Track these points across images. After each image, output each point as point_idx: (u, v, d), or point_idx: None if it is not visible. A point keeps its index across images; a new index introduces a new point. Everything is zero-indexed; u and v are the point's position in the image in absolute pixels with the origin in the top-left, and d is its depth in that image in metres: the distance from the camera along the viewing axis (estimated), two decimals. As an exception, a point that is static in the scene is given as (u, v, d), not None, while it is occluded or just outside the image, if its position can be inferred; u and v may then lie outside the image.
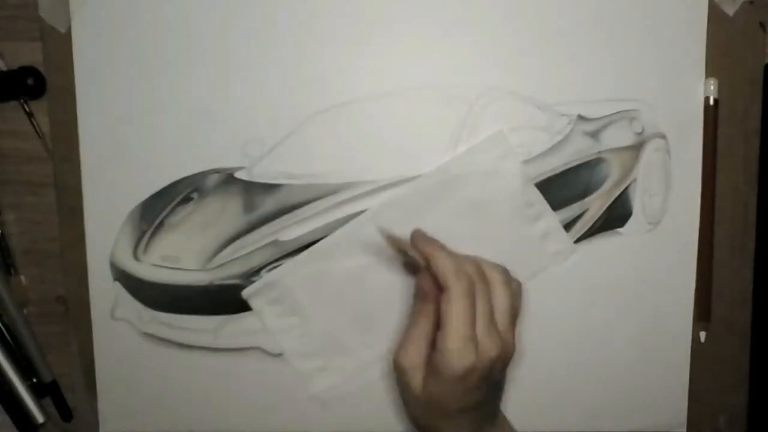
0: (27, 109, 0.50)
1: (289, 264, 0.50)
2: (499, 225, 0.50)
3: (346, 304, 0.51)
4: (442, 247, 0.43)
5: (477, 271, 0.42)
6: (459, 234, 0.46)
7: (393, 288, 0.50)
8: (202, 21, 0.49)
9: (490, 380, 0.41)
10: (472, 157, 0.49)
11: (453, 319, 0.39)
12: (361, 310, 0.51)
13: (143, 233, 0.51)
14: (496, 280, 0.42)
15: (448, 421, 0.42)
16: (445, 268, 0.41)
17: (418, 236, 0.44)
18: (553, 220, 0.50)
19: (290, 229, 0.50)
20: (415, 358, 0.41)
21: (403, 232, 0.45)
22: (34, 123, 0.50)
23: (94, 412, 0.53)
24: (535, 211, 0.50)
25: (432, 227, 0.45)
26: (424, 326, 0.42)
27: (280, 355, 0.52)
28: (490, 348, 0.40)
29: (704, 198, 0.51)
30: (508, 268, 0.43)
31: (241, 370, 0.52)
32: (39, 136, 0.50)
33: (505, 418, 0.47)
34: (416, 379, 0.41)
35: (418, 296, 0.43)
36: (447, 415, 0.41)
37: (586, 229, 0.51)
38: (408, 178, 0.50)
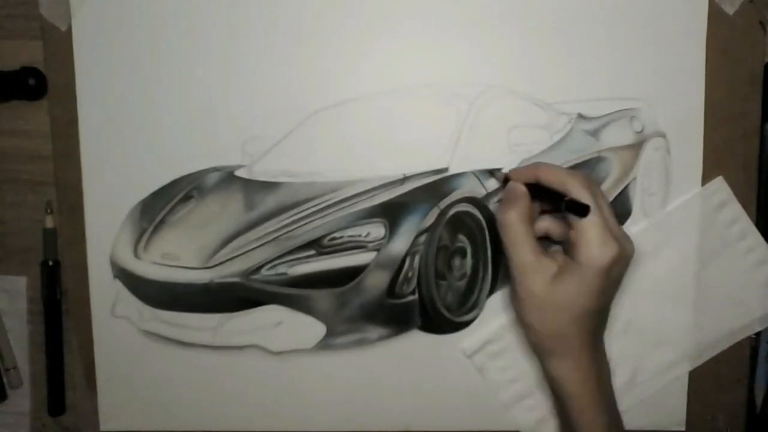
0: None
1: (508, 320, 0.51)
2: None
3: None
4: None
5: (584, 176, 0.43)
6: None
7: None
8: (202, 19, 0.49)
9: (621, 280, 0.43)
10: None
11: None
12: None
13: (143, 231, 0.51)
14: (596, 184, 0.43)
15: (574, 326, 0.41)
16: (556, 171, 0.43)
17: (514, 170, 0.46)
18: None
19: (290, 227, 0.50)
20: (531, 256, 0.42)
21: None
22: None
23: (94, 409, 0.53)
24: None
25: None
26: (528, 229, 0.42)
27: (279, 353, 0.52)
28: (626, 241, 0.41)
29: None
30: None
31: (241, 368, 0.52)
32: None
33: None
34: (537, 280, 0.41)
35: (505, 203, 0.44)
36: (574, 319, 0.41)
37: (585, 227, 0.51)
38: (408, 177, 0.50)
